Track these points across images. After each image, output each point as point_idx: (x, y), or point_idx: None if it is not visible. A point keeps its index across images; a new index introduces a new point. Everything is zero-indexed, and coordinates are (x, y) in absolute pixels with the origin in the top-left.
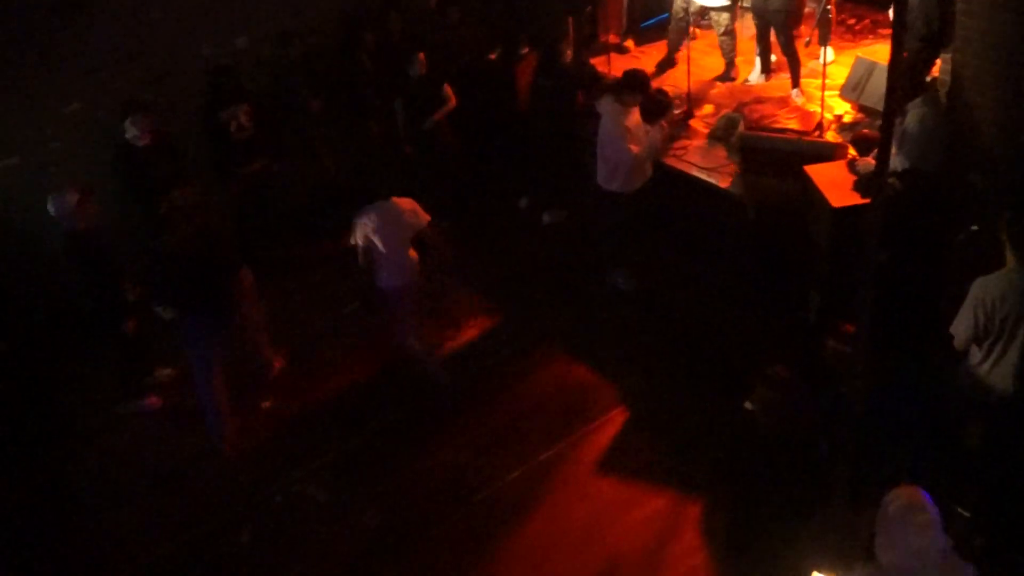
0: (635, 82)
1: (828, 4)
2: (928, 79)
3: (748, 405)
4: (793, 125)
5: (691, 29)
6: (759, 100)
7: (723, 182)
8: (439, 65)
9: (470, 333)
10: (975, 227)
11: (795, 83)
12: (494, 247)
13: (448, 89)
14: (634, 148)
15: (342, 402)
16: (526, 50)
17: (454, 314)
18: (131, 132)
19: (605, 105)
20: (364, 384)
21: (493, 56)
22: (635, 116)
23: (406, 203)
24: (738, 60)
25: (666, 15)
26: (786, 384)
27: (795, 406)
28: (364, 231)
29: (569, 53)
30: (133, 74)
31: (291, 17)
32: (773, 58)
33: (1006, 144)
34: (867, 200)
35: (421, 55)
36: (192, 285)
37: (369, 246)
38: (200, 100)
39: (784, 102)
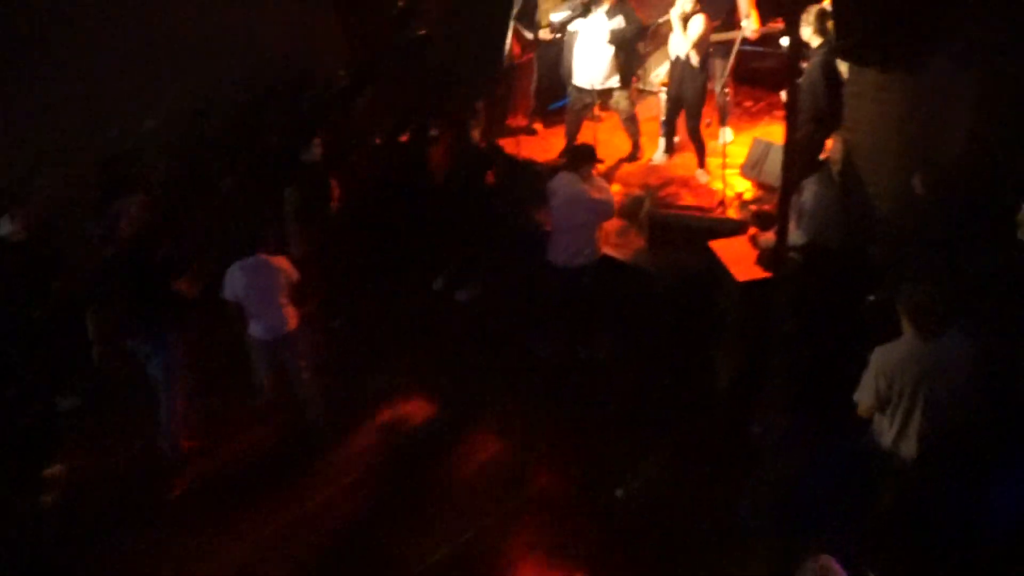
0: (587, 153)
1: (727, 88)
2: (822, 157)
3: (618, 493)
4: (697, 202)
5: (596, 111)
6: (665, 179)
7: (631, 258)
8: (347, 147)
9: (392, 412)
10: (872, 297)
11: (700, 163)
12: (413, 327)
13: (334, 184)
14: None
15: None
16: (435, 132)
17: (372, 397)
18: (5, 228)
19: (563, 182)
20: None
21: (404, 138)
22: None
23: (277, 260)
24: (643, 140)
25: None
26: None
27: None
28: (233, 288)
29: (477, 135)
30: (26, 161)
31: (201, 96)
32: (676, 139)
33: (899, 218)
34: (770, 274)
35: (317, 139)
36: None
37: (240, 300)
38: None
39: (689, 181)
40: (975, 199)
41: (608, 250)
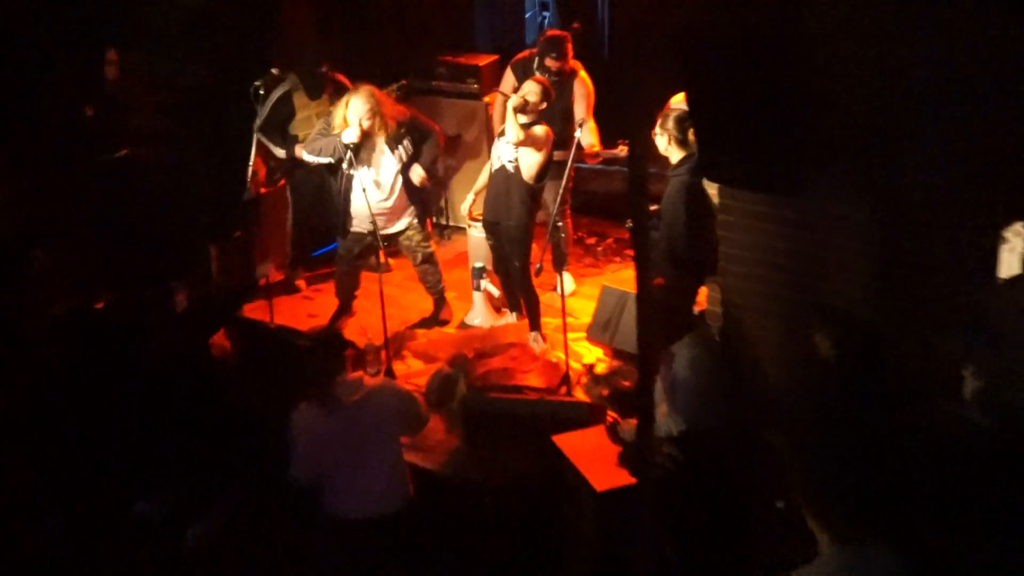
0: (333, 351)
1: (560, 220)
2: (696, 311)
3: None
4: (532, 381)
5: (383, 257)
6: (485, 350)
7: (443, 465)
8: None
9: None
10: (780, 504)
11: (533, 324)
12: None
13: None
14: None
15: None
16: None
17: None
18: None
19: (342, 400)
20: None
21: (101, 305)
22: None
23: None
24: (451, 295)
25: None
26: None
27: None
28: None
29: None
30: None
31: None
32: (492, 291)
33: (801, 388)
34: (636, 479)
35: None
36: None
37: None
38: None
39: (518, 351)
40: (893, 356)
41: (410, 456)
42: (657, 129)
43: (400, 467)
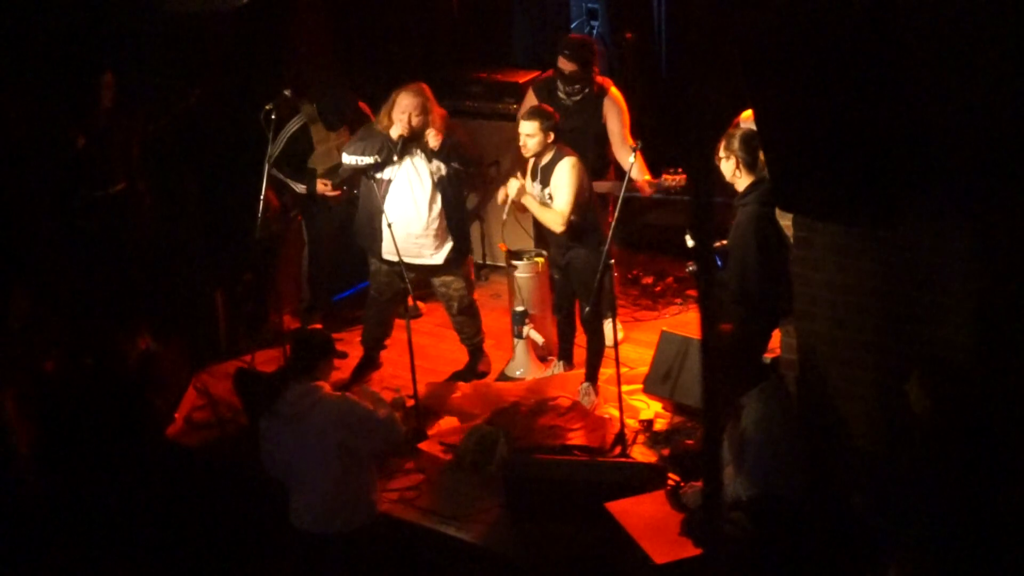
0: (319, 345)
1: (610, 259)
2: (766, 359)
3: None
4: (583, 440)
5: (412, 302)
6: (528, 405)
7: (479, 536)
8: None
9: None
10: None
11: (590, 375)
12: None
13: None
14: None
15: None
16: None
17: None
18: None
19: (290, 406)
20: None
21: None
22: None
23: None
24: (488, 344)
25: (366, 283)
26: None
27: None
28: None
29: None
30: None
31: None
32: (535, 338)
33: (892, 449)
34: (701, 550)
35: None
36: None
37: None
38: None
39: (566, 406)
40: (1005, 415)
41: (437, 525)
42: (722, 151)
43: (355, 485)
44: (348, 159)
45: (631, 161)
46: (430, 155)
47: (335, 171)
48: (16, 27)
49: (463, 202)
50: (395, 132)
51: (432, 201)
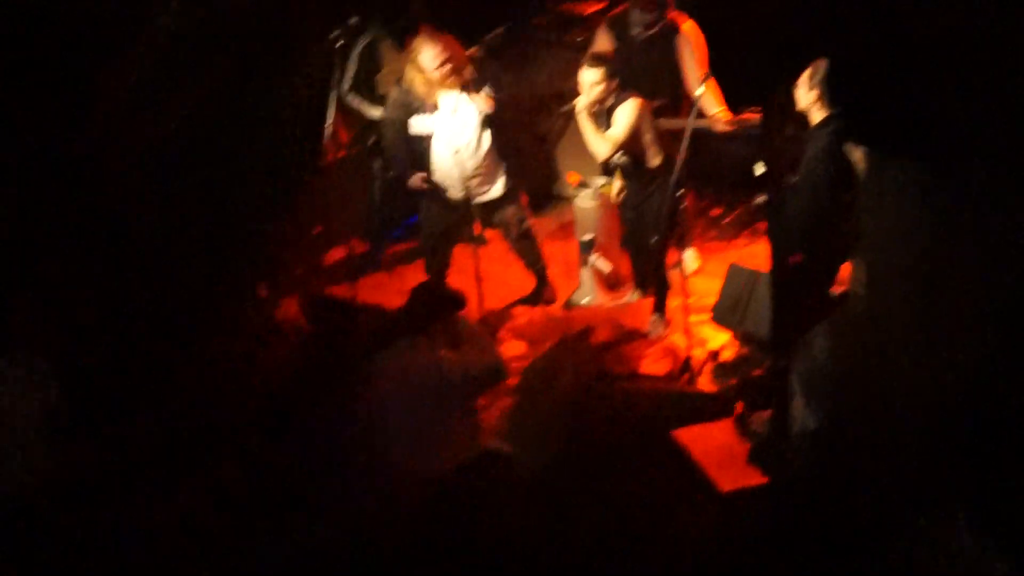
0: (441, 302)
1: (681, 190)
2: (834, 292)
3: None
4: (650, 368)
5: (477, 229)
6: (595, 333)
7: (543, 461)
8: None
9: None
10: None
11: (658, 306)
12: None
13: None
14: None
15: None
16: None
17: None
18: None
19: (398, 358)
20: None
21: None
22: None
23: None
24: (556, 274)
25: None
26: None
27: None
28: None
29: None
30: None
31: None
32: (602, 267)
33: (965, 388)
34: (768, 478)
35: None
36: None
37: None
38: None
39: (634, 334)
40: None
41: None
42: (800, 85)
43: (448, 427)
44: (420, 128)
45: (699, 93)
46: (469, 96)
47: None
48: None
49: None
50: (427, 85)
51: (480, 139)
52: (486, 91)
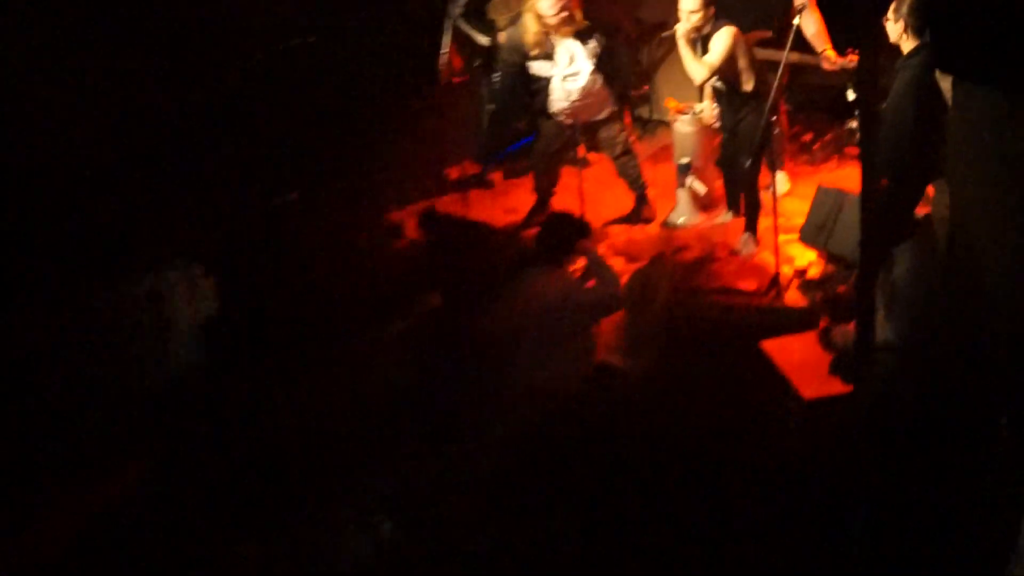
0: (570, 232)
1: (775, 116)
2: (919, 214)
3: None
4: (740, 284)
5: (582, 152)
6: (690, 251)
7: (640, 371)
8: None
9: None
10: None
11: (750, 226)
12: None
13: None
14: None
15: None
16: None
17: None
18: None
19: (534, 282)
20: None
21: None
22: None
23: None
24: (653, 193)
25: (530, 138)
26: None
27: None
28: None
29: None
30: None
31: None
32: (698, 188)
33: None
34: (850, 387)
35: None
36: None
37: None
38: None
39: (726, 252)
40: None
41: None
42: (891, 14)
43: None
44: (538, 71)
45: (796, 23)
46: (583, 38)
47: (515, 21)
48: None
49: (618, 64)
50: (543, 29)
51: (592, 77)
52: (597, 37)
